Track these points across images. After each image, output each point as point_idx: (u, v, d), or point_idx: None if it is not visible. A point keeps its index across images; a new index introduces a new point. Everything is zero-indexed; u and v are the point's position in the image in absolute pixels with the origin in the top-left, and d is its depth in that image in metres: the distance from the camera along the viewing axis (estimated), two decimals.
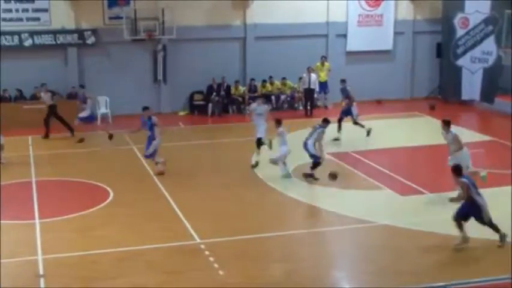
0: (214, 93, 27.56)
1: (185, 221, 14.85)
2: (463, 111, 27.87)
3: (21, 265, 12.73)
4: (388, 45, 29.79)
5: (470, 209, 12.85)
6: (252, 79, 28.12)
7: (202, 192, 17.08)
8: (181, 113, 27.72)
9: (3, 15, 26.02)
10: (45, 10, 26.57)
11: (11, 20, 26.14)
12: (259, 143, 19.26)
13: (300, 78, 27.77)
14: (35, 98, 25.87)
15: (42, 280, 11.95)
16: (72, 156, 21.26)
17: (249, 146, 20.00)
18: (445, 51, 29.45)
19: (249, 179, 18.14)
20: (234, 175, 18.22)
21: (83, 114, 23.75)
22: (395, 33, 29.76)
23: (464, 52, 28.90)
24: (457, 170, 13.19)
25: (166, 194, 16.90)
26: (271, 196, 17.01)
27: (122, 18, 26.54)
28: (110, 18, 27.04)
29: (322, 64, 28.26)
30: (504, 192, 16.10)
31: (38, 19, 26.54)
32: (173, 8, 26.62)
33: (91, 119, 24.20)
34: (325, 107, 28.56)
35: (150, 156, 18.58)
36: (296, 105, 28.56)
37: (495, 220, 13.03)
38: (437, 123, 24.91)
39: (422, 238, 13.75)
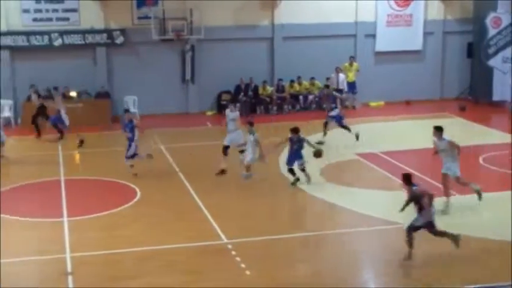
0: (242, 93, 27.55)
1: (212, 221, 14.82)
2: (494, 113, 27.50)
3: (49, 263, 12.80)
4: (417, 45, 29.52)
5: (423, 221, 12.45)
6: (280, 79, 28.05)
7: (230, 192, 17.05)
8: (209, 113, 27.74)
9: (34, 15, 26.33)
10: (75, 10, 26.79)
11: (41, 20, 26.43)
12: (226, 150, 18.80)
13: (328, 79, 27.62)
14: (63, 97, 26.04)
15: (69, 278, 12.00)
16: (100, 155, 21.36)
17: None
18: (476, 52, 29.09)
19: (276, 179, 18.06)
20: (261, 175, 18.13)
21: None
22: (425, 33, 29.48)
23: (496, 52, 28.53)
24: (408, 179, 12.66)
25: (193, 193, 16.90)
26: (297, 197, 16.94)
27: (150, 18, 26.67)
28: (139, 18, 27.19)
29: (351, 64, 28.09)
30: None
31: (67, 19, 26.78)
32: (201, 8, 26.67)
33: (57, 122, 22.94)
34: (353, 107, 28.38)
35: (131, 158, 18.55)
36: (324, 105, 28.38)
37: None
38: (467, 124, 24.80)
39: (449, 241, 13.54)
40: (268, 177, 18.08)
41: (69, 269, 12.38)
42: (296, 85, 28.32)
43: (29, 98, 25.68)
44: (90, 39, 26.70)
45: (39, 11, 26.50)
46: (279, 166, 18.95)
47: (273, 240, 13.79)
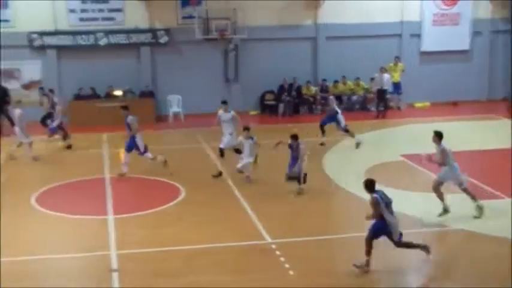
0: (285, 93, 27.46)
1: (256, 221, 14.75)
2: None
3: (95, 259, 12.86)
4: (464, 45, 29.07)
5: (382, 228, 11.87)
6: (324, 79, 27.89)
7: (274, 192, 16.95)
8: (252, 113, 27.72)
9: (80, 15, 26.66)
10: (120, 10, 27.05)
11: (87, 20, 26.75)
12: (221, 152, 18.70)
13: (372, 79, 27.38)
14: (108, 96, 26.34)
15: (115, 275, 12.04)
16: None
17: (320, 146, 19.72)
18: None
19: (322, 179, 17.91)
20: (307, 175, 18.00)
21: (54, 124, 22.52)
22: (473, 33, 29.00)
23: None
24: (370, 185, 11.98)
25: (237, 193, 16.86)
26: (343, 197, 16.78)
27: (194, 17, 26.76)
28: (183, 17, 27.31)
29: (396, 64, 27.79)
30: None
31: (113, 19, 27.05)
32: (245, 8, 26.67)
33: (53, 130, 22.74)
34: (398, 108, 28.08)
35: (145, 153, 18.50)
36: (369, 106, 28.17)
37: None
38: None
39: (497, 243, 13.26)
40: (313, 178, 17.93)
41: (114, 266, 12.43)
42: (340, 85, 28.12)
43: (77, 96, 26.08)
44: (134, 38, 26.95)
45: (85, 11, 26.85)
46: (324, 167, 18.82)
47: (318, 241, 13.65)
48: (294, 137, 16.81)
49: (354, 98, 28.09)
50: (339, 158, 18.41)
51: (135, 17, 27.01)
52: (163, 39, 27.05)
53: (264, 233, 14.02)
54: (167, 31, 27.01)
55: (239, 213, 15.42)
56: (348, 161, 19.78)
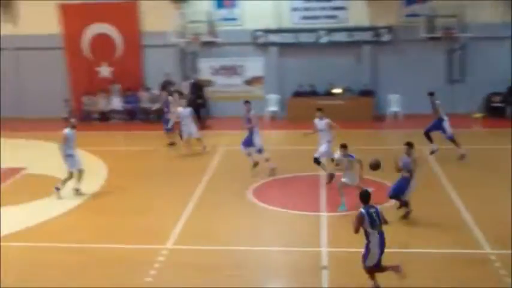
0: None
1: (474, 228, 13.84)
2: None
3: (305, 255, 12.86)
4: None
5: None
6: None
7: (495, 199, 15.83)
8: (476, 115, 26.28)
9: (303, 13, 27.04)
10: (343, 8, 27.00)
11: (309, 18, 27.06)
12: (317, 162, 17.70)
13: None
14: (327, 94, 26.42)
15: (325, 272, 11.94)
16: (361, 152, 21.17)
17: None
18: None
19: None
20: None
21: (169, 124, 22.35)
22: None
23: None
24: (363, 197, 11.01)
25: (453, 197, 16.00)
26: None
27: (418, 15, 25.97)
28: (407, 15, 26.62)
29: None
30: None
31: (335, 17, 27.09)
32: (474, 5, 25.33)
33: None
34: None
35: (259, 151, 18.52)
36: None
37: None
38: None
39: None
40: None
41: (324, 263, 12.30)
42: None
43: (296, 93, 26.49)
44: (356, 36, 26.76)
45: (308, 9, 27.15)
46: None
47: None
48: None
49: None
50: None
51: (358, 15, 26.85)
52: (386, 38, 26.58)
53: (482, 241, 13.11)
54: (390, 29, 26.49)
55: (454, 218, 14.61)
56: None
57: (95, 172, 19.11)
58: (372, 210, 10.91)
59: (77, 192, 17.08)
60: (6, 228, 14.51)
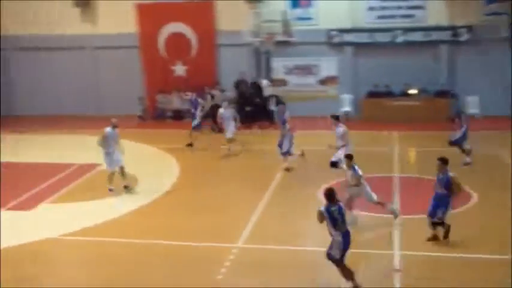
0: None
1: None
2: None
3: (378, 258, 12.75)
4: None
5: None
6: None
7: None
8: None
9: (379, 12, 26.68)
10: (421, 7, 26.48)
11: (385, 17, 26.68)
12: (334, 165, 17.23)
13: None
14: (403, 94, 25.96)
15: (397, 275, 11.75)
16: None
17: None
18: None
19: None
20: None
21: (195, 122, 22.41)
22: None
23: None
24: (327, 195, 10.88)
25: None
26: None
27: (500, 14, 25.20)
28: (487, 14, 25.85)
29: None
30: None
31: (411, 16, 26.61)
32: None
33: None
34: None
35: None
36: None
37: None
38: None
39: None
40: None
41: (397, 267, 12.08)
42: None
43: (371, 93, 26.14)
44: (433, 36, 26.19)
45: (384, 8, 26.74)
46: None
47: None
48: (443, 161, 13.01)
49: None
50: None
51: (435, 14, 26.28)
52: (464, 37, 25.89)
53: None
54: (469, 28, 25.78)
55: None
56: None
57: (168, 170, 19.30)
58: (334, 208, 10.79)
59: (127, 189, 17.29)
60: (81, 223, 14.81)
